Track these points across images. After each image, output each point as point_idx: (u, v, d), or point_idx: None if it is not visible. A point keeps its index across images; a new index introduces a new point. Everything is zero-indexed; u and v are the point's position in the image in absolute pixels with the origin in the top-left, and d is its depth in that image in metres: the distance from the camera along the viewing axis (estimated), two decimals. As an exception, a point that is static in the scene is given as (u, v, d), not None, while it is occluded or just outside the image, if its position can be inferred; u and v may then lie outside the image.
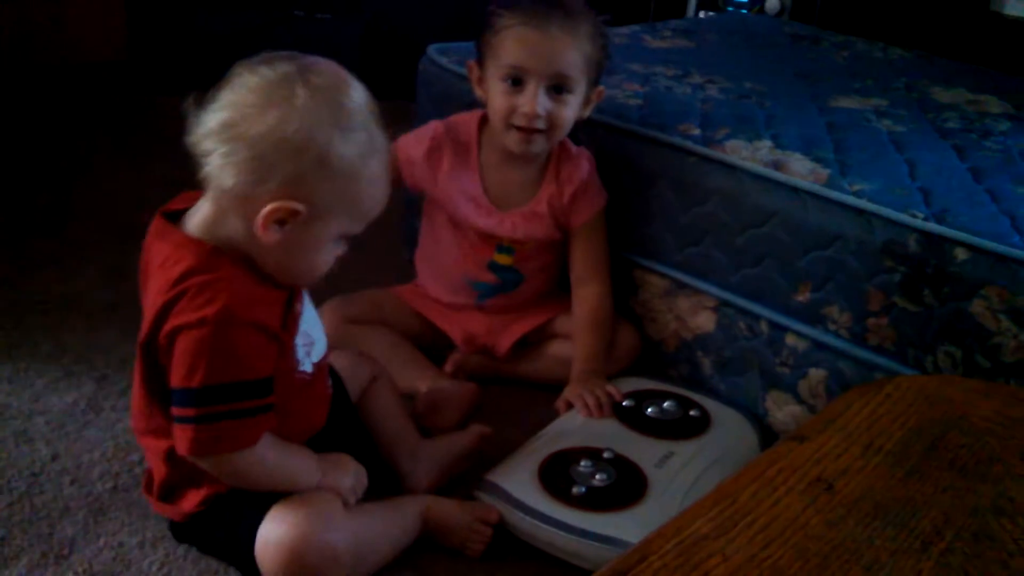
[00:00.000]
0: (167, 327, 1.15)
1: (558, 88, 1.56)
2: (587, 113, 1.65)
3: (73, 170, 2.42)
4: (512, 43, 1.56)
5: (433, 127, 1.71)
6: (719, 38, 2.34)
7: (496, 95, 1.59)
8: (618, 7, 2.31)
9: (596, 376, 1.63)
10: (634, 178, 1.70)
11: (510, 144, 1.61)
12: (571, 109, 1.59)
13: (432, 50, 2.00)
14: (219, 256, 1.17)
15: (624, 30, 2.31)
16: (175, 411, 1.17)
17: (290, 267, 1.20)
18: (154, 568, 1.28)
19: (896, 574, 0.73)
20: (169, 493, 1.29)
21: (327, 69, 1.16)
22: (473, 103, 1.73)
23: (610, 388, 1.60)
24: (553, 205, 1.67)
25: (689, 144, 1.64)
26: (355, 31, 3.00)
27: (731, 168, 1.59)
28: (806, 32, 2.49)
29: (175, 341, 1.15)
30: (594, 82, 1.62)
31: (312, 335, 1.29)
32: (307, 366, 1.28)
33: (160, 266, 1.19)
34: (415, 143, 1.70)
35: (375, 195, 1.20)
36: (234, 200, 1.14)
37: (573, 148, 1.70)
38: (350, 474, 1.30)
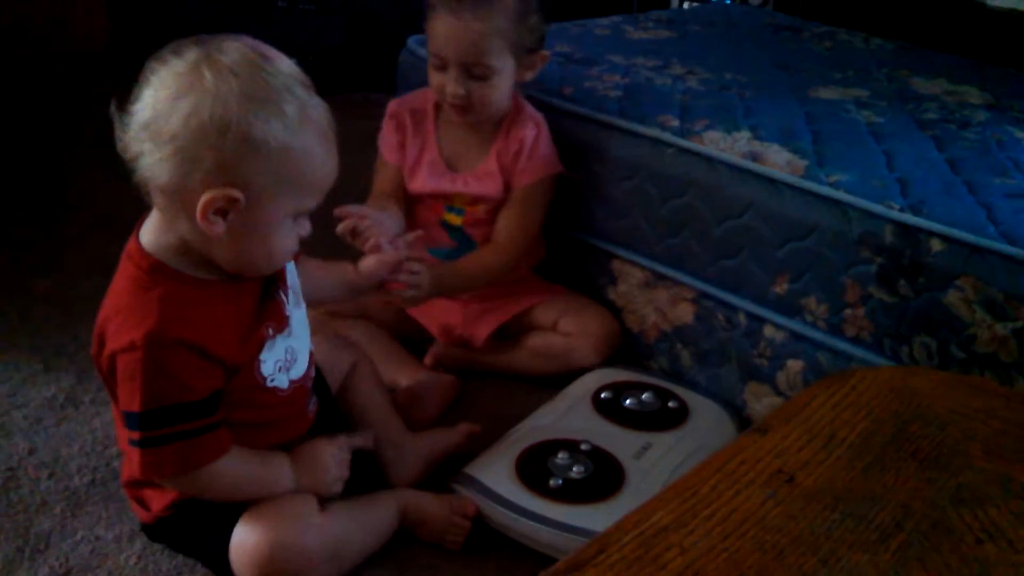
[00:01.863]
0: (106, 351, 1.15)
1: (476, 73, 1.60)
2: (531, 76, 1.69)
3: (54, 162, 2.42)
4: (433, 29, 1.62)
5: (389, 106, 1.76)
6: (701, 29, 2.34)
7: (430, 74, 1.66)
8: (602, -2, 2.32)
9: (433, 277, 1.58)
10: (613, 169, 1.70)
11: (450, 116, 1.68)
12: (494, 87, 1.62)
13: (412, 41, 2.00)
14: (157, 272, 1.15)
15: (606, 21, 2.30)
16: (127, 434, 1.16)
17: (246, 257, 1.17)
18: (131, 562, 1.29)
19: (853, 567, 0.74)
20: (138, 493, 1.29)
21: (237, 46, 1.12)
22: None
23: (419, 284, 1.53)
24: (503, 163, 1.69)
25: (667, 136, 1.64)
26: (339, 22, 2.99)
27: (709, 160, 1.59)
28: (789, 23, 2.49)
29: (114, 364, 1.14)
30: (528, 51, 1.65)
31: (296, 352, 1.27)
32: (281, 382, 1.25)
33: (112, 283, 1.19)
34: (385, 132, 1.75)
35: (315, 165, 1.14)
36: (172, 198, 1.11)
37: (527, 110, 1.72)
38: (328, 468, 1.29)
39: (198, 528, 1.25)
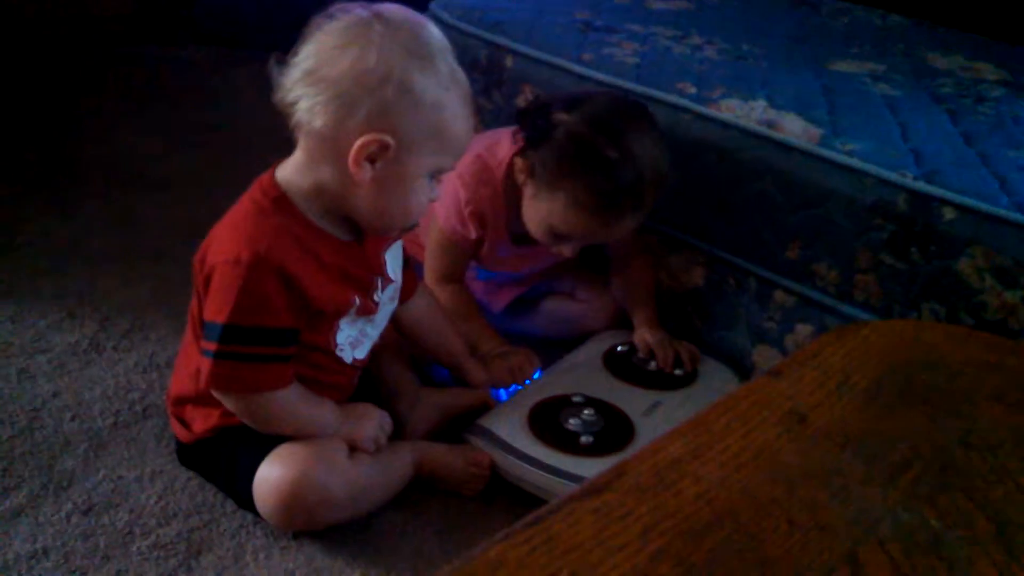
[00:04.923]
0: (209, 259, 1.20)
1: None
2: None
3: (77, 120, 2.44)
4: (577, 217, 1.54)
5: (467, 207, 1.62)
6: (720, 1, 2.35)
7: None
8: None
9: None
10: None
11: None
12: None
13: (435, 5, 2.01)
14: (281, 204, 1.20)
15: (626, -8, 2.31)
16: (202, 344, 1.21)
17: (385, 209, 1.21)
18: (152, 501, 1.32)
19: (864, 501, 0.76)
20: (184, 411, 1.33)
21: (401, 10, 1.19)
22: (475, 62, 1.75)
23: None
24: None
25: (685, 102, 1.66)
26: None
27: (725, 125, 1.61)
28: (807, -2, 2.49)
29: (212, 274, 1.19)
30: None
31: (368, 338, 1.34)
32: (347, 356, 1.31)
33: (235, 203, 1.24)
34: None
35: (459, 125, 1.20)
36: (324, 143, 1.16)
37: None
38: (373, 423, 1.34)
39: (232, 455, 1.29)
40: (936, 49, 2.07)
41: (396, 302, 1.39)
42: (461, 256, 1.64)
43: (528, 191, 1.53)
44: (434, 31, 1.20)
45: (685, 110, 1.65)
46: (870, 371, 0.92)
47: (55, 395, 1.48)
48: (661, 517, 0.71)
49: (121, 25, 2.94)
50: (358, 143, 1.14)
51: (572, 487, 1.33)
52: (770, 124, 1.58)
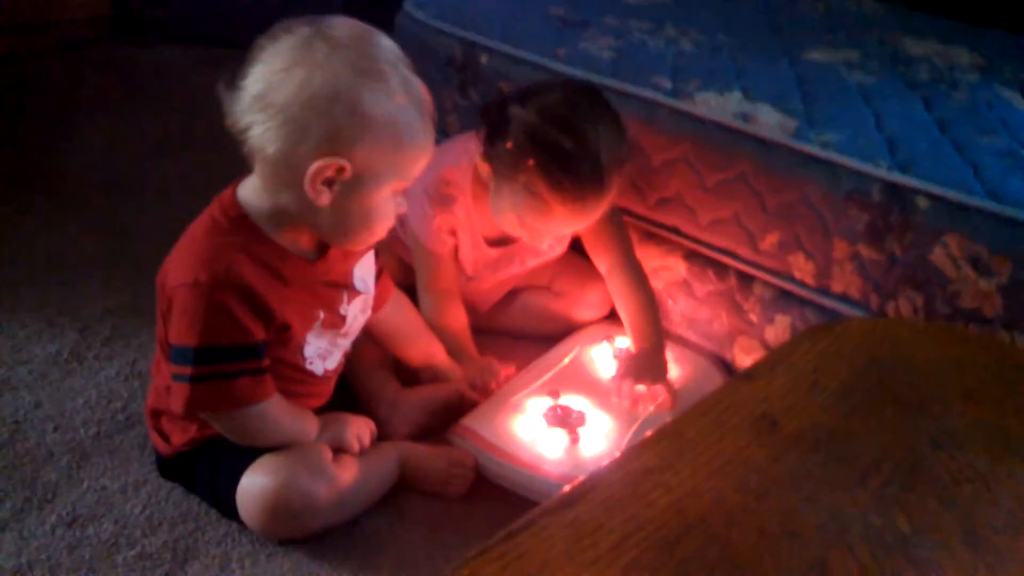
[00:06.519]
0: (169, 283, 1.20)
1: None
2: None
3: (56, 125, 2.43)
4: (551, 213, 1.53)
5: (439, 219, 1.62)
6: (696, -9, 2.35)
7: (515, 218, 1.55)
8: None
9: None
10: (607, 130, 1.72)
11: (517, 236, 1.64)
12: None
13: (408, 4, 2.01)
14: (240, 223, 1.19)
15: (601, -17, 2.31)
16: (174, 369, 1.21)
17: (348, 227, 1.21)
18: (136, 511, 1.32)
19: (833, 506, 0.77)
20: (161, 423, 1.33)
21: (346, 24, 1.17)
22: (449, 60, 1.74)
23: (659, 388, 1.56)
24: None
25: (660, 96, 1.66)
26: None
27: (700, 120, 1.61)
28: (783, -14, 2.50)
29: (173, 297, 1.19)
30: None
31: (339, 346, 1.34)
32: (317, 368, 1.31)
33: (194, 221, 1.24)
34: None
35: (417, 139, 1.19)
36: (279, 169, 1.15)
37: None
38: (354, 425, 1.35)
39: (213, 466, 1.30)
40: (910, 34, 2.08)
41: (368, 313, 1.39)
42: (443, 266, 1.64)
43: (492, 188, 1.54)
44: (382, 43, 1.18)
45: (660, 105, 1.65)
46: (841, 372, 0.93)
47: (37, 406, 1.48)
48: (633, 529, 0.71)
49: (95, 28, 2.93)
50: (312, 168, 1.13)
51: (555, 486, 1.35)
52: (745, 116, 1.58)
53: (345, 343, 1.36)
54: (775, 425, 0.85)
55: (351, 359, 1.45)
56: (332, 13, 1.20)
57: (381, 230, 1.24)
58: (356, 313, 1.34)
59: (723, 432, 0.83)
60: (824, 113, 1.60)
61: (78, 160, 2.25)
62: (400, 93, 1.16)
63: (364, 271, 1.35)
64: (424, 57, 1.87)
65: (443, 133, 1.88)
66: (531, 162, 1.45)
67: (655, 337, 1.61)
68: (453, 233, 1.62)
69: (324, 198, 1.15)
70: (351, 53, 1.13)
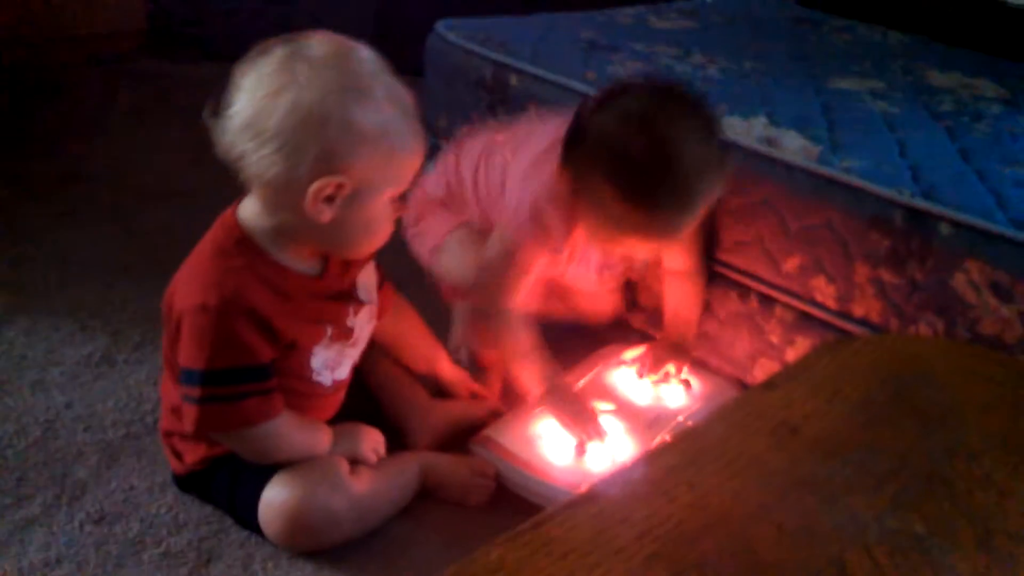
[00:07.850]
0: (176, 307, 1.22)
1: None
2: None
3: (93, 134, 2.49)
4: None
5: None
6: (723, 20, 2.38)
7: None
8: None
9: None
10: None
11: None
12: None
13: (440, 26, 2.05)
14: (244, 245, 1.21)
15: (630, 10, 2.35)
16: (183, 390, 1.23)
17: (351, 239, 1.24)
18: (163, 511, 1.35)
19: (851, 508, 0.78)
20: (173, 443, 1.35)
21: (322, 40, 1.17)
22: (480, 81, 1.76)
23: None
24: None
25: (687, 120, 1.68)
26: (370, 5, 3.03)
27: (725, 143, 1.63)
28: (809, 16, 2.53)
29: (181, 320, 1.21)
30: None
31: (348, 355, 1.35)
32: (326, 379, 1.32)
33: (198, 244, 1.26)
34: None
35: (408, 145, 1.20)
36: (278, 192, 1.17)
37: None
38: (367, 440, 1.36)
39: (228, 483, 1.31)
40: (935, 66, 2.10)
41: (375, 322, 1.40)
42: (529, 272, 1.49)
43: (574, 200, 1.41)
44: (362, 54, 1.19)
45: (687, 128, 1.67)
46: (861, 383, 0.94)
47: (68, 406, 1.51)
48: (656, 523, 0.73)
49: (132, 42, 2.98)
50: (312, 189, 1.15)
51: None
52: (769, 141, 1.61)
53: (354, 353, 1.37)
54: (795, 432, 0.86)
55: (378, 368, 1.47)
56: (363, 34, 1.22)
57: (383, 238, 1.27)
58: (363, 323, 1.36)
59: (744, 436, 0.85)
60: (848, 140, 1.62)
61: (113, 168, 2.30)
62: (386, 102, 1.17)
63: (365, 281, 1.37)
64: (455, 78, 1.91)
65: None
66: (605, 173, 1.32)
67: (690, 338, 1.68)
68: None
69: (326, 215, 1.17)
70: (332, 72, 1.14)
